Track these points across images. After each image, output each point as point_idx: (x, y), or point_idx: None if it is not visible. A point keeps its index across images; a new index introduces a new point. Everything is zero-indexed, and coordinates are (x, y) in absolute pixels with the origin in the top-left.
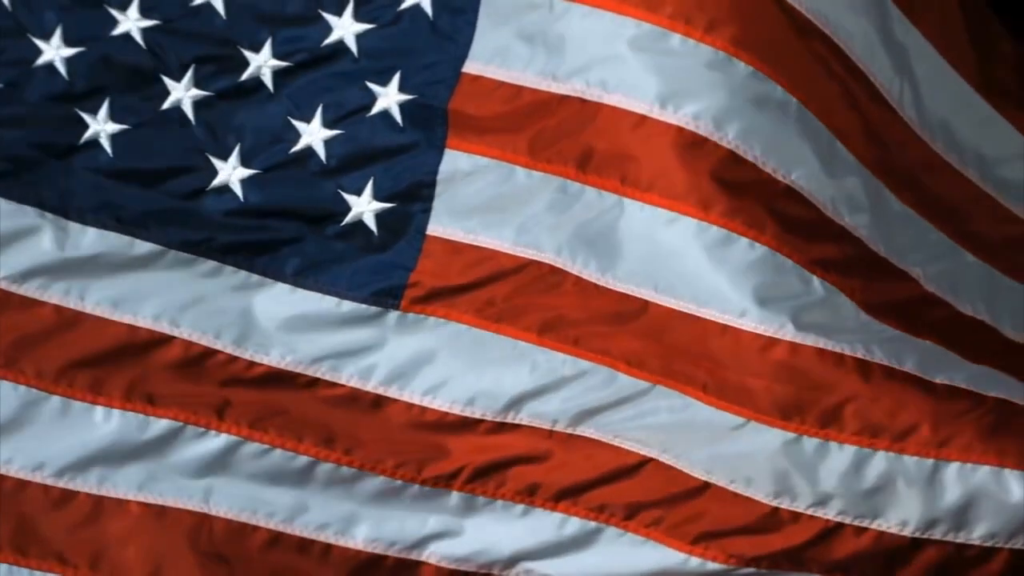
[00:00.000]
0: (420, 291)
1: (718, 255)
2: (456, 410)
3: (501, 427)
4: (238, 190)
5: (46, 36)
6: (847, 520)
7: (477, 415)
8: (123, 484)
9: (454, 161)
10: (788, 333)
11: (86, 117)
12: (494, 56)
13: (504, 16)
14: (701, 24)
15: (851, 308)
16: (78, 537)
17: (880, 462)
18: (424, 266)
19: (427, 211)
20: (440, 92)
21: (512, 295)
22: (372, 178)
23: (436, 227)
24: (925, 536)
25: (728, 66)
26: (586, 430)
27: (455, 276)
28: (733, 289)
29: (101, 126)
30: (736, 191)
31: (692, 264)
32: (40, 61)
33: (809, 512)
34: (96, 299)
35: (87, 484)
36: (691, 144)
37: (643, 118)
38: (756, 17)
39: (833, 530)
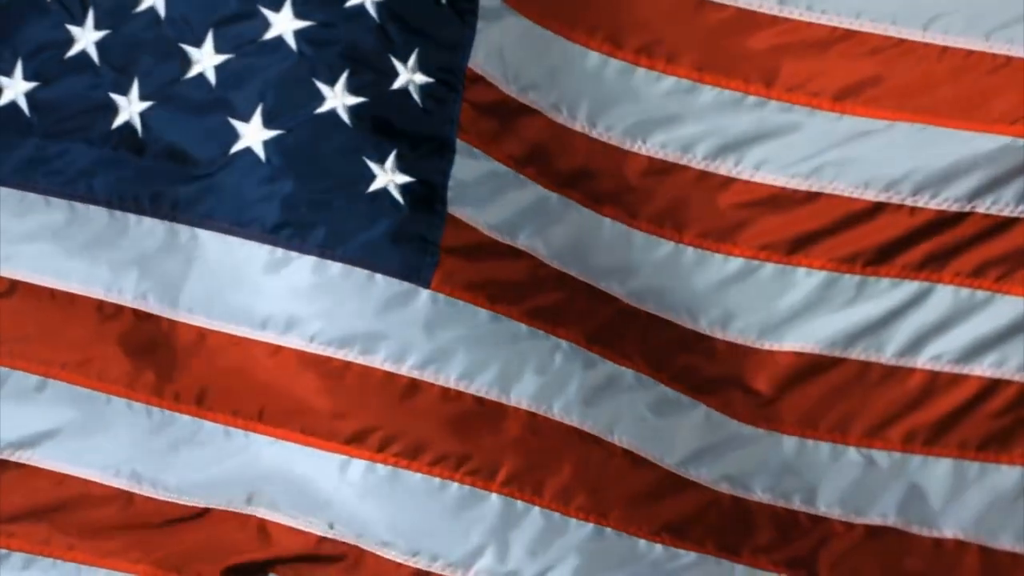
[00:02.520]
0: (449, 269)
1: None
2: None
3: None
4: (260, 153)
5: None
6: None
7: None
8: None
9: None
10: None
11: (117, 99)
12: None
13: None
14: None
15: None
16: None
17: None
18: (448, 241)
19: (445, 187)
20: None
21: None
22: (395, 150)
23: (454, 206)
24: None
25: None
26: None
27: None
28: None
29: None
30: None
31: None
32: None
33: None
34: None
35: None
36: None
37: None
38: None
39: None
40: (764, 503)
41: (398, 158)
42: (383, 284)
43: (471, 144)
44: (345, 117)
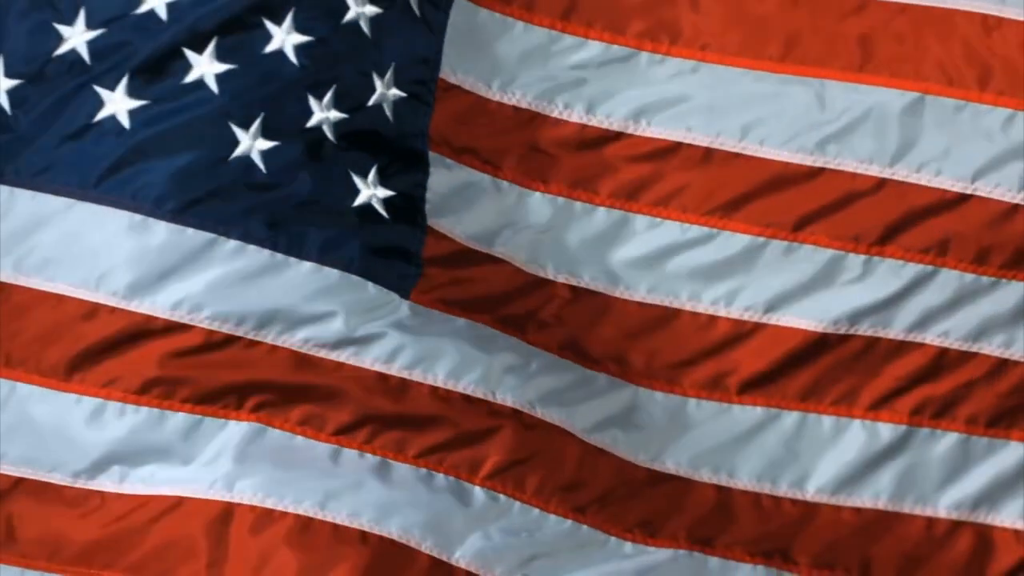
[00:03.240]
0: (430, 282)
1: None
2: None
3: None
4: (258, 160)
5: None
6: None
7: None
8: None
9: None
10: None
11: (102, 92)
12: (461, 65)
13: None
14: None
15: None
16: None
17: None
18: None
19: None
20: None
21: None
22: (376, 165)
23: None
24: None
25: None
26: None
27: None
28: None
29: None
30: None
31: None
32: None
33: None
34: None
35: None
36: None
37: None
38: None
39: None
40: (748, 490)
41: (379, 172)
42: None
43: (443, 155)
44: (330, 133)
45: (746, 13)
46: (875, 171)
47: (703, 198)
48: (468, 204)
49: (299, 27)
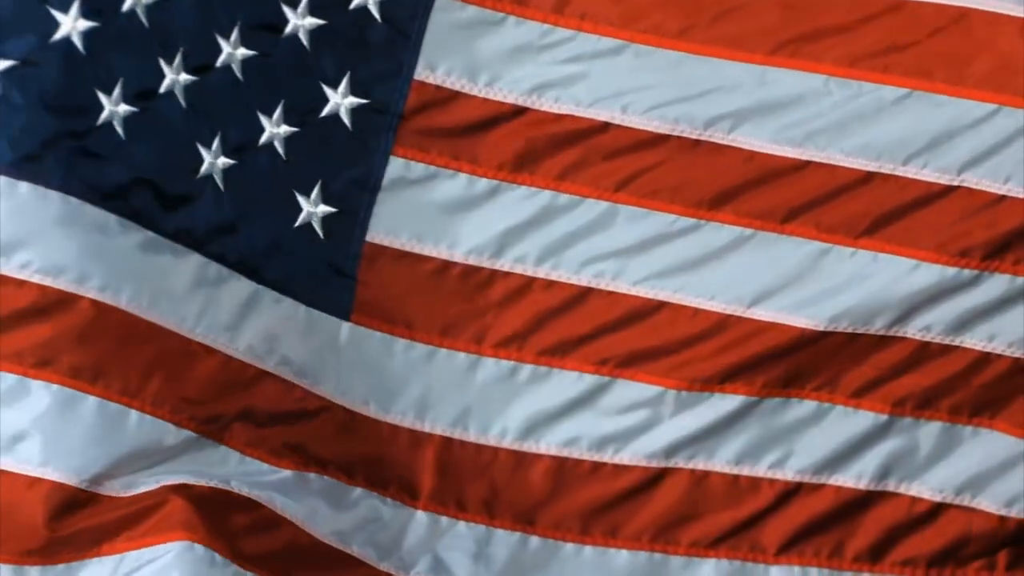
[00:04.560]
0: (366, 302)
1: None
2: None
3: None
4: (220, 182)
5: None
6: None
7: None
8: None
9: (400, 168)
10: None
11: (102, 98)
12: (443, 62)
13: (456, 25)
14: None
15: None
16: None
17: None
18: (365, 275)
19: (368, 218)
20: (393, 97)
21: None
22: (320, 179)
23: (377, 234)
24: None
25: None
26: None
27: (401, 288)
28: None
29: (114, 108)
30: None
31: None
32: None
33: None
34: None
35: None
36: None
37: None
38: None
39: None
40: (726, 473)
41: (322, 188)
42: (305, 315)
43: (407, 157)
44: (280, 148)
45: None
46: (861, 164)
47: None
48: (422, 196)
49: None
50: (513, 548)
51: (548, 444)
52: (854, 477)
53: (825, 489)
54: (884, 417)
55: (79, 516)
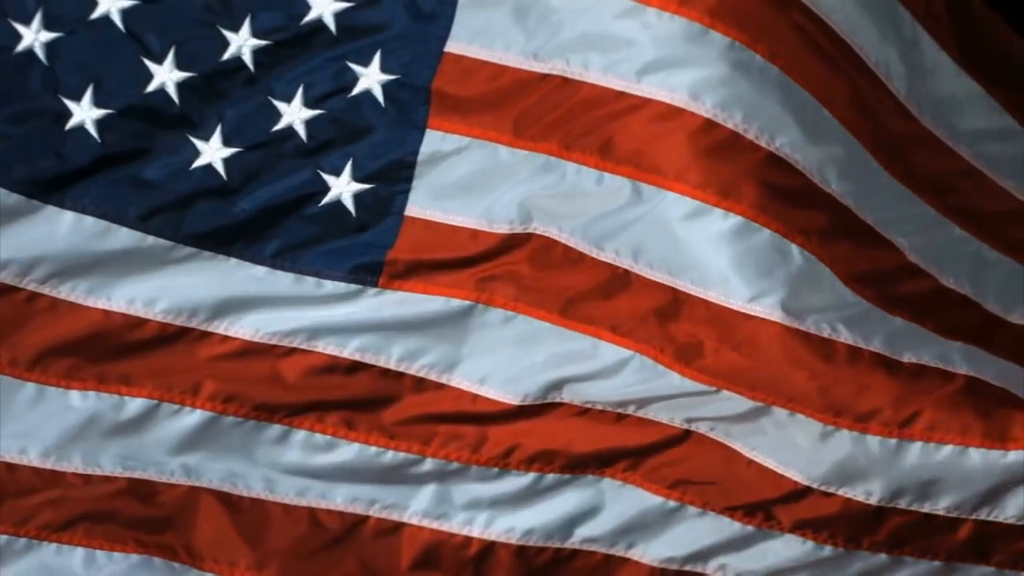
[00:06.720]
0: (399, 268)
1: (690, 227)
2: (432, 376)
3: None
4: (221, 170)
5: (26, 20)
6: (813, 485)
7: (453, 383)
8: (107, 463)
9: (436, 141)
10: (759, 308)
11: (70, 104)
12: (476, 36)
13: None
14: None
15: (829, 279)
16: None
17: (844, 441)
18: (402, 245)
19: (407, 192)
20: (422, 72)
21: (494, 268)
22: (352, 158)
23: (415, 208)
24: (890, 505)
25: (704, 37)
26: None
27: (435, 253)
28: (708, 261)
29: (86, 113)
30: (712, 160)
31: (668, 236)
32: (20, 47)
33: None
34: (71, 286)
35: (72, 464)
36: (667, 116)
37: (621, 94)
38: None
39: (801, 492)
40: (755, 460)
41: (355, 167)
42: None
43: (443, 130)
44: (301, 131)
45: None
46: None
47: None
48: (457, 176)
49: (256, 33)
50: None
51: None
52: (864, 494)
53: None
54: (892, 442)
55: None
